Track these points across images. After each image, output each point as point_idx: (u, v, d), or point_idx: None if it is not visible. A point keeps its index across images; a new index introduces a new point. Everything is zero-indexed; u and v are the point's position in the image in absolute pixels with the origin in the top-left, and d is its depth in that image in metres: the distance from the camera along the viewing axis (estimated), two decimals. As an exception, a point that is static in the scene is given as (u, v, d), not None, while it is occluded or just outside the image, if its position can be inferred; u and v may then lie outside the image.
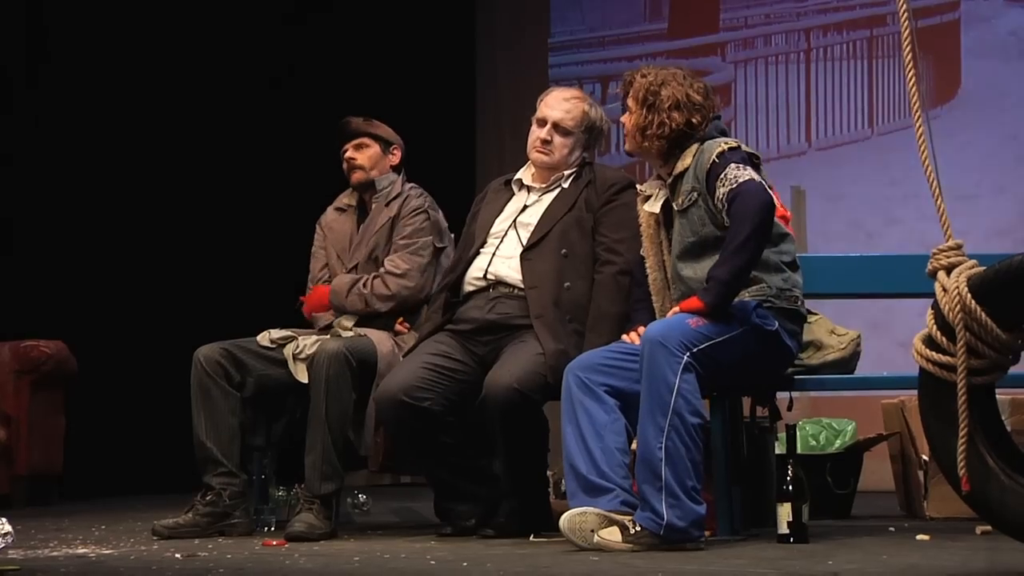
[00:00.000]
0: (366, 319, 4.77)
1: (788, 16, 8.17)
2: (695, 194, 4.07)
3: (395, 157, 5.01)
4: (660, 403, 3.76)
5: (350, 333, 4.66)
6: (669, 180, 4.16)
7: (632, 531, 3.74)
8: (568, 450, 3.97)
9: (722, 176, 4.01)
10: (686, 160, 4.11)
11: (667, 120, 4.12)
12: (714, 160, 4.05)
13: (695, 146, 4.11)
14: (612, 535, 3.74)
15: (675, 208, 4.12)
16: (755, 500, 4.44)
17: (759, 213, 3.93)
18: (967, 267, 3.30)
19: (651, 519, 3.74)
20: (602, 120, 4.66)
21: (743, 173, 3.99)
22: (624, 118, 4.22)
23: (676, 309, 3.98)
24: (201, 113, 7.68)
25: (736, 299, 3.96)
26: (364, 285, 4.77)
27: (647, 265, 4.22)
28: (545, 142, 4.57)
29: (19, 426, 6.29)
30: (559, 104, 4.60)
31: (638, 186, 4.32)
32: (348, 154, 4.96)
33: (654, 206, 4.19)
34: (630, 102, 4.20)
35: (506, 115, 8.65)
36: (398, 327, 4.78)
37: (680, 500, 3.74)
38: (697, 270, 4.05)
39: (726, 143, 4.08)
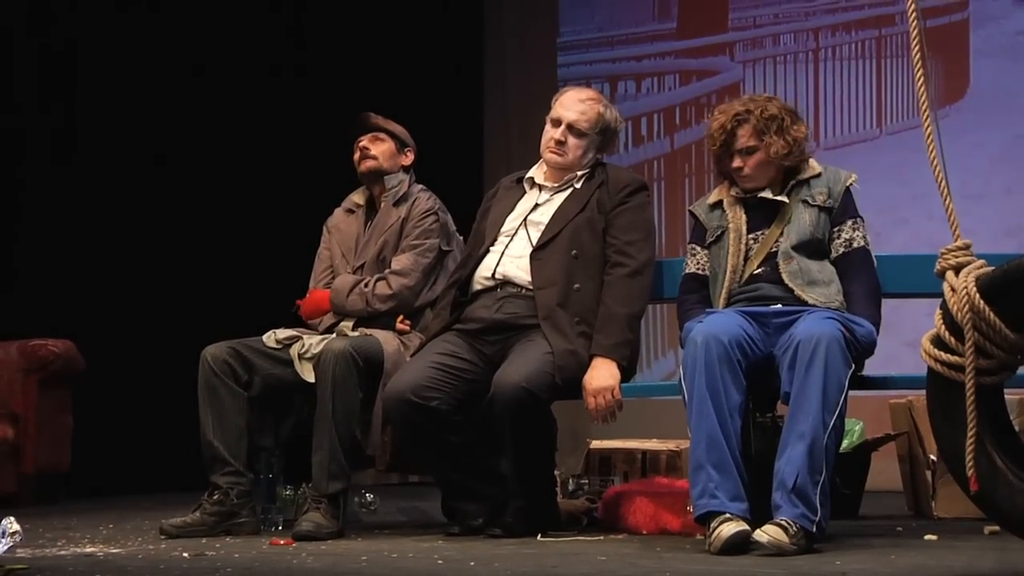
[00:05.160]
0: (368, 319, 4.77)
1: (797, 16, 8.16)
2: (830, 200, 4.17)
3: (407, 158, 5.01)
4: (831, 400, 3.73)
5: (355, 332, 4.66)
6: (793, 182, 4.21)
7: (793, 529, 3.64)
8: (702, 439, 3.80)
9: (854, 222, 4.17)
10: (815, 168, 4.22)
11: (794, 135, 4.19)
12: (850, 188, 4.19)
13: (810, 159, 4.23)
14: (779, 535, 3.61)
15: (814, 203, 4.16)
16: (763, 499, 4.42)
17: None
18: (976, 267, 3.30)
19: (807, 516, 3.65)
20: (616, 121, 4.64)
21: (868, 239, 4.18)
22: (742, 161, 4.18)
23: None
24: (208, 114, 7.67)
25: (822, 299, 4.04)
26: (366, 285, 4.77)
27: (728, 264, 4.18)
28: (559, 143, 4.55)
29: (27, 425, 6.29)
30: (574, 105, 4.58)
31: (732, 190, 4.28)
32: (363, 143, 4.95)
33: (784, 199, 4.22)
34: (751, 141, 4.17)
35: (514, 115, 8.64)
36: (399, 325, 4.77)
37: (827, 499, 3.69)
38: (804, 264, 4.11)
39: (853, 176, 4.21)
